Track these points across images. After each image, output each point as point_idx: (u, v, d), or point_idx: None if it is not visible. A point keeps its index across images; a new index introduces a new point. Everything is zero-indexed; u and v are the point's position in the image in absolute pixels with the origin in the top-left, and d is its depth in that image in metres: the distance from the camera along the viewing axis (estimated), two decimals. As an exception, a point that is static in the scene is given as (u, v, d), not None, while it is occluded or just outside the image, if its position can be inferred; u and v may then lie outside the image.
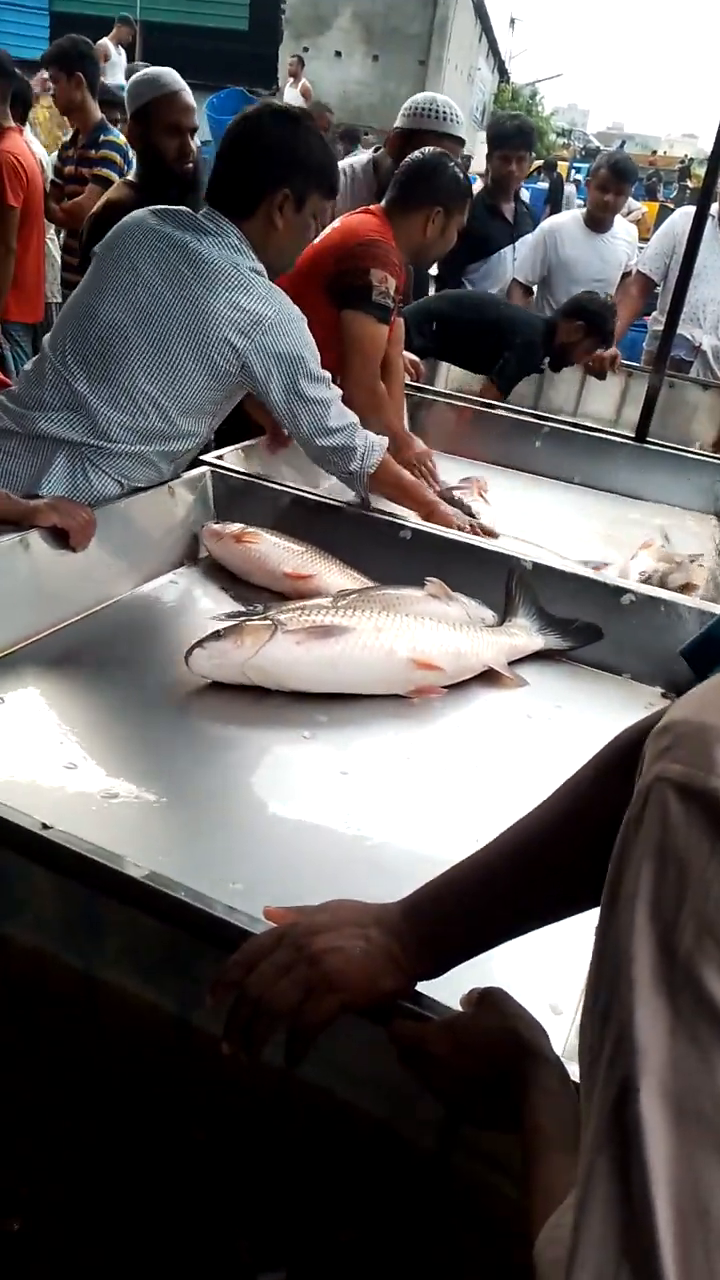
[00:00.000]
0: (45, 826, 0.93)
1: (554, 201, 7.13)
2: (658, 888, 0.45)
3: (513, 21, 31.61)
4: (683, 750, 0.46)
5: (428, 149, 2.37)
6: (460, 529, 1.99)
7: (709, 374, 4.00)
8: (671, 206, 9.03)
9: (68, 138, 4.11)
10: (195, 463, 1.99)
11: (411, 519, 1.98)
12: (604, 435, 3.05)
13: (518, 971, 0.92)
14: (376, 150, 3.09)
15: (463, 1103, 0.76)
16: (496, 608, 1.78)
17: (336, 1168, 0.94)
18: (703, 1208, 0.39)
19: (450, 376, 3.56)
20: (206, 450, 2.05)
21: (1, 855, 0.96)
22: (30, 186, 3.67)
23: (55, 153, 4.33)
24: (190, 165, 2.77)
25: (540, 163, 10.23)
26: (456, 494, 2.38)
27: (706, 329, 3.99)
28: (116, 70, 8.43)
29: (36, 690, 1.43)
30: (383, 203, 2.32)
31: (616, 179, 3.90)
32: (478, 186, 3.77)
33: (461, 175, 2.32)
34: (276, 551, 1.82)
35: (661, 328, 3.29)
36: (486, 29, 24.33)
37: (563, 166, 12.91)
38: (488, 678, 1.65)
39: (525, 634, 1.73)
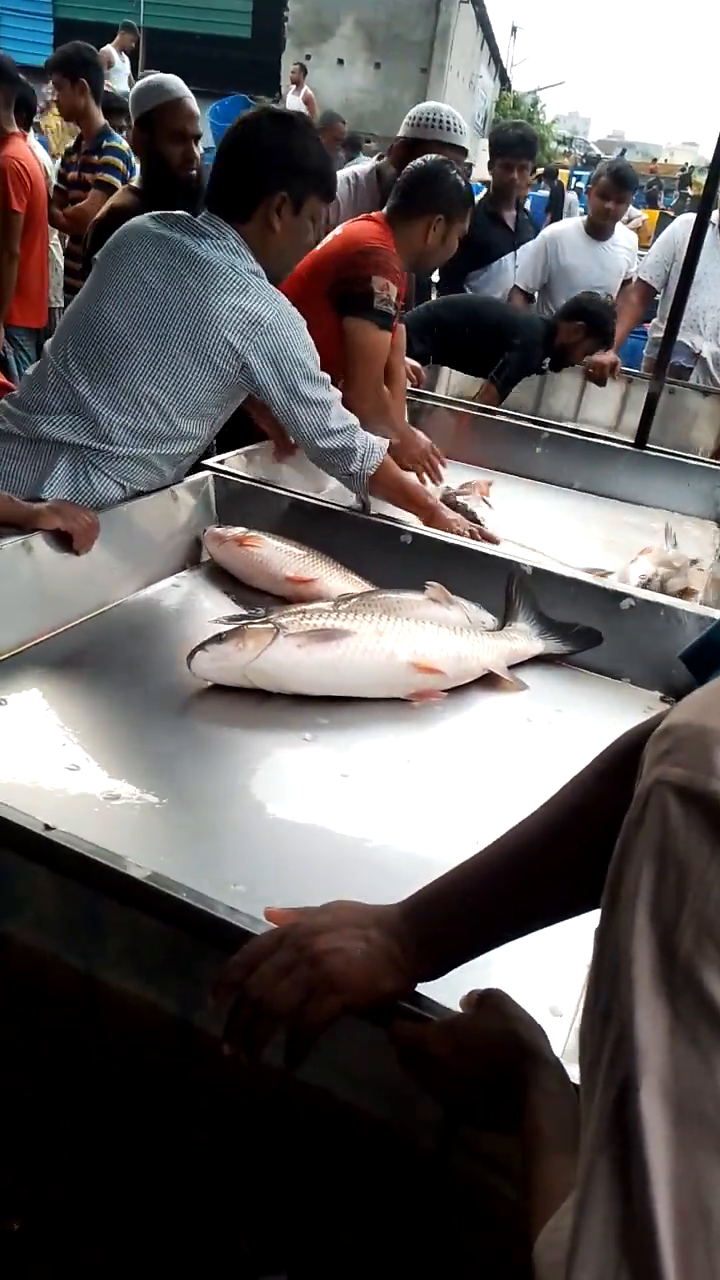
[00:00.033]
0: (48, 827, 0.93)
1: (555, 209, 7.16)
2: (658, 890, 0.45)
3: (514, 29, 31.70)
4: (683, 753, 0.46)
5: (429, 156, 2.37)
6: (461, 535, 2.00)
7: (709, 381, 4.01)
8: (672, 214, 9.05)
9: (71, 143, 4.13)
10: (197, 467, 2.00)
11: (412, 523, 1.99)
12: (604, 441, 3.06)
13: (517, 973, 0.92)
14: (380, 158, 3.10)
15: (462, 1104, 0.76)
16: (496, 612, 1.79)
17: (337, 1169, 0.94)
18: (703, 1208, 0.39)
19: (451, 382, 3.57)
20: (209, 454, 2.06)
21: (4, 856, 0.97)
22: (34, 192, 3.68)
23: (59, 158, 4.34)
24: (194, 171, 2.78)
25: (541, 170, 10.26)
26: (460, 498, 2.39)
27: (706, 336, 4.00)
28: (120, 77, 8.46)
29: (39, 692, 1.43)
30: (384, 210, 2.33)
31: (617, 187, 3.92)
32: (481, 195, 3.78)
33: (463, 183, 2.33)
34: (278, 555, 1.83)
35: (661, 335, 3.29)
36: (488, 36, 24.38)
37: (564, 174, 12.94)
38: (488, 681, 1.65)
39: (525, 638, 1.73)
